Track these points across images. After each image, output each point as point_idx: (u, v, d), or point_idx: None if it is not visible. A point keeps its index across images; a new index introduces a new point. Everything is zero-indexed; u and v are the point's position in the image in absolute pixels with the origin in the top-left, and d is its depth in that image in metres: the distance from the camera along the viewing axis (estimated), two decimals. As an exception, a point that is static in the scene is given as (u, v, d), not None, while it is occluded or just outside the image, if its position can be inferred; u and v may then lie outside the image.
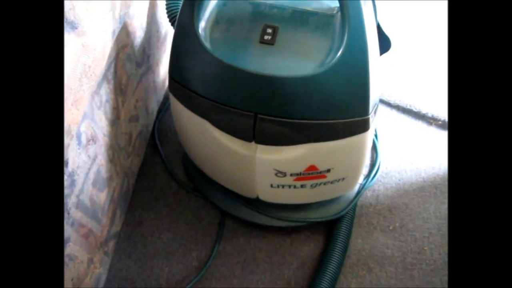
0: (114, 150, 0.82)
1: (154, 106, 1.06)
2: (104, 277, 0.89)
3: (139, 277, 0.92)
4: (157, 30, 0.98)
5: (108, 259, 0.90)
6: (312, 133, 0.71)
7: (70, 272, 0.71)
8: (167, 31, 1.05)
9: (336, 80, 0.67)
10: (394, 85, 1.22)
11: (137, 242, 0.96)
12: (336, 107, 0.70)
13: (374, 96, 0.71)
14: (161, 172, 1.07)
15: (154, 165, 1.08)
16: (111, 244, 0.90)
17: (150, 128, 1.07)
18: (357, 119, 0.71)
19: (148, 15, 0.88)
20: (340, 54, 0.65)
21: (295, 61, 0.68)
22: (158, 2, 0.94)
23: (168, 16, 0.82)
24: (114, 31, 0.74)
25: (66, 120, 0.59)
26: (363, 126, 0.73)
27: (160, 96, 1.11)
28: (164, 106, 1.16)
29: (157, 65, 1.03)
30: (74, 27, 0.59)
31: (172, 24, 0.82)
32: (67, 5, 0.57)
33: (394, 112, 1.18)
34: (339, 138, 0.73)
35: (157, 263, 0.94)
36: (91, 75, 0.66)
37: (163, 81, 1.13)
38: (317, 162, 0.77)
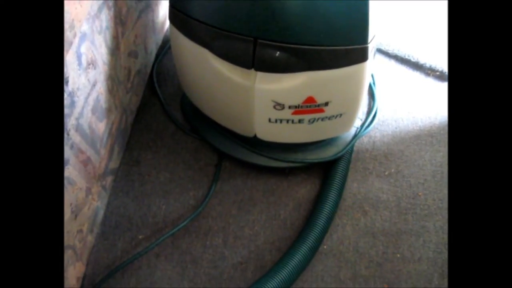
0: (113, 81, 0.82)
1: (153, 47, 1.06)
2: (102, 212, 0.90)
3: (136, 214, 0.93)
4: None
5: (106, 194, 0.91)
6: (311, 60, 0.71)
7: (69, 197, 0.71)
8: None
9: (336, 4, 0.67)
10: (393, 35, 1.22)
11: (135, 180, 0.97)
12: (336, 32, 0.70)
13: (373, 25, 0.71)
14: (159, 114, 1.07)
15: (152, 107, 1.08)
16: (109, 179, 0.91)
17: (149, 69, 1.07)
18: (356, 46, 0.71)
19: None
20: (341, -23, 0.65)
21: (296, -18, 0.68)
22: None
23: None
24: None
25: (69, 12, 0.58)
26: (362, 55, 0.73)
27: (159, 39, 1.11)
28: (163, 49, 1.15)
29: (157, 4, 1.02)
30: None
31: None
32: None
33: (392, 62, 1.18)
34: (338, 67, 0.73)
35: (154, 201, 0.95)
36: None
37: (162, 23, 1.12)
38: (316, 93, 0.77)
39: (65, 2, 0.56)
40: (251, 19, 0.69)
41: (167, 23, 1.14)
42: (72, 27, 0.61)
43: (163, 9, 1.09)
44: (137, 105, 1.02)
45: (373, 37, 0.73)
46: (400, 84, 1.14)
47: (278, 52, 0.70)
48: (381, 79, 1.13)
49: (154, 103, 1.08)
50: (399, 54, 1.18)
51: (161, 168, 0.99)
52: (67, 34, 0.60)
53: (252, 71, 0.74)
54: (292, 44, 0.70)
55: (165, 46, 1.16)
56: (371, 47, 0.73)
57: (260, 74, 0.74)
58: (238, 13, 0.69)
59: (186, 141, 1.03)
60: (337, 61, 0.72)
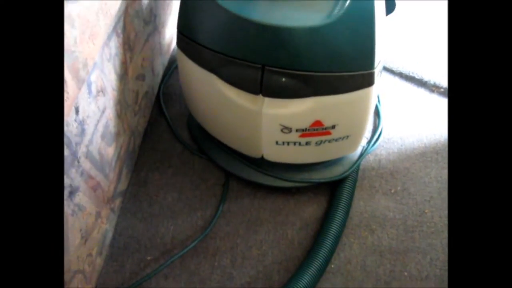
0: (122, 106, 0.83)
1: (159, 68, 1.07)
2: (110, 234, 0.90)
3: (145, 236, 0.93)
4: (164, -9, 0.99)
5: (115, 216, 0.92)
6: (318, 86, 0.72)
7: (79, 222, 0.72)
8: (173, -6, 1.06)
9: (343, 31, 0.68)
10: (398, 52, 1.22)
11: (143, 201, 0.98)
12: (343, 59, 0.70)
13: (379, 51, 0.72)
14: (166, 134, 1.08)
15: (159, 127, 1.09)
16: (118, 201, 0.92)
17: (156, 90, 1.08)
18: (362, 72, 0.72)
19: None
20: (347, 6, 0.66)
21: (303, 12, 0.69)
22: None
23: None
24: None
25: (83, 52, 0.60)
26: (368, 80, 0.74)
27: (165, 59, 1.12)
28: (169, 70, 1.16)
29: (163, 26, 1.03)
30: None
31: None
32: None
33: (397, 79, 1.19)
34: (344, 92, 0.74)
35: (162, 222, 0.95)
36: (106, 12, 0.67)
37: (168, 45, 1.13)
38: (323, 117, 0.78)
39: (78, 43, 0.58)
40: (258, 46, 0.70)
41: (173, 43, 1.15)
42: (85, 65, 0.62)
43: (169, 31, 1.10)
44: (145, 126, 1.02)
45: (380, 62, 0.74)
46: (405, 101, 1.15)
47: (284, 79, 0.71)
48: (386, 97, 1.14)
49: (161, 123, 1.09)
50: (403, 72, 1.19)
51: (168, 189, 0.99)
52: (81, 73, 0.61)
53: (260, 96, 0.75)
54: (299, 71, 0.70)
55: (171, 67, 1.17)
56: (377, 71, 0.74)
57: (267, 100, 0.75)
58: (246, 41, 0.70)
59: (193, 161, 1.04)
60: (344, 86, 0.73)
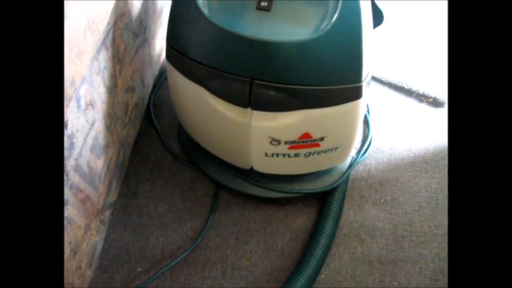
0: (111, 118, 0.83)
1: (149, 80, 1.07)
2: (100, 246, 0.91)
3: (135, 247, 0.94)
4: (154, 3, 0.99)
5: (104, 228, 0.92)
6: (306, 99, 0.73)
7: (68, 236, 0.72)
8: (163, 6, 1.06)
9: (330, 45, 0.68)
10: (387, 63, 1.23)
11: (133, 213, 0.98)
12: (330, 73, 0.71)
13: (366, 64, 0.73)
14: (156, 145, 1.08)
15: (149, 138, 1.09)
16: (107, 213, 0.92)
17: (146, 101, 1.08)
18: (350, 85, 0.73)
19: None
20: (334, 20, 0.67)
21: (291, 27, 0.70)
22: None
23: None
24: None
25: (70, 71, 0.60)
26: (356, 94, 0.74)
27: (155, 70, 1.12)
28: (160, 80, 1.17)
29: (153, 38, 1.04)
30: None
31: None
32: None
33: (386, 89, 1.20)
34: (332, 105, 0.75)
35: (152, 234, 0.95)
36: (94, 30, 0.67)
37: (159, 56, 1.14)
38: (311, 129, 0.78)
39: (65, 61, 0.58)
40: (247, 60, 0.70)
41: (164, 53, 1.16)
42: (72, 83, 0.62)
43: (159, 41, 1.11)
44: (134, 137, 1.03)
45: (368, 74, 0.75)
46: (394, 111, 1.16)
47: (272, 92, 0.71)
48: (376, 107, 1.15)
49: (151, 134, 1.10)
50: (392, 82, 1.20)
51: (158, 200, 1.00)
52: (68, 91, 0.61)
53: (249, 109, 0.75)
54: (287, 84, 0.71)
55: (162, 77, 1.17)
56: (365, 84, 0.74)
57: (256, 112, 0.76)
58: (234, 55, 0.71)
59: (183, 172, 1.04)
60: (332, 99, 0.74)
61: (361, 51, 0.69)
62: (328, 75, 0.71)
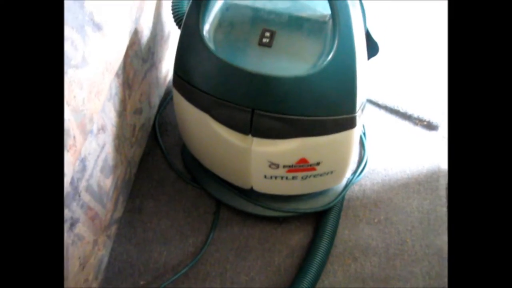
0: (120, 140, 0.88)
1: (156, 100, 1.12)
2: (106, 259, 0.95)
3: (138, 261, 0.98)
4: (162, 29, 1.04)
5: (110, 242, 0.96)
6: (304, 128, 0.78)
7: (78, 251, 0.76)
8: (170, 30, 1.11)
9: (327, 80, 0.73)
10: (383, 87, 1.27)
11: (137, 227, 1.02)
12: (326, 105, 0.76)
13: (361, 96, 0.78)
14: (160, 163, 1.13)
15: (154, 156, 1.13)
16: (113, 228, 0.96)
17: (152, 121, 1.13)
18: (344, 116, 0.78)
19: (154, 15, 0.94)
20: (330, 58, 0.72)
21: (290, 62, 0.75)
22: (163, 3, 1.00)
23: (174, 17, 0.88)
24: (130, 31, 0.81)
25: (89, 109, 0.65)
26: (350, 123, 0.79)
27: (161, 91, 1.17)
28: (165, 100, 1.21)
29: (160, 61, 1.08)
30: (100, 28, 0.65)
31: (177, 24, 0.88)
32: (94, 8, 0.63)
33: (382, 112, 1.24)
34: (328, 134, 0.79)
35: (155, 248, 1.00)
36: (111, 70, 0.72)
37: (165, 77, 1.18)
38: (308, 155, 0.83)
39: (86, 101, 0.63)
40: (249, 92, 0.75)
41: (169, 75, 1.20)
42: (91, 120, 0.67)
43: (166, 64, 1.15)
44: (140, 156, 1.07)
45: (361, 104, 0.80)
46: (390, 133, 1.20)
47: (272, 121, 0.76)
48: (371, 129, 1.18)
49: (156, 152, 1.14)
50: (388, 105, 1.24)
51: (162, 216, 1.04)
52: (87, 127, 0.66)
53: (250, 136, 0.80)
54: (286, 114, 0.76)
55: (167, 98, 1.21)
56: (359, 114, 0.79)
57: (256, 139, 0.81)
58: (238, 86, 0.76)
59: (186, 190, 1.08)
60: (328, 129, 0.78)
61: (355, 85, 0.74)
62: (324, 107, 0.76)
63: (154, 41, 0.99)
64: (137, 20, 0.83)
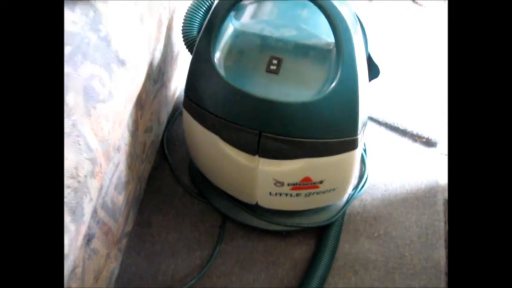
0: (132, 157, 0.92)
1: (164, 117, 1.15)
2: (116, 272, 0.98)
3: (147, 273, 1.01)
4: (171, 50, 1.08)
5: (121, 255, 1.00)
6: (308, 150, 0.82)
7: (93, 264, 0.80)
8: (179, 50, 1.15)
9: (330, 106, 0.77)
10: (383, 105, 1.31)
11: (146, 241, 1.06)
12: (330, 128, 0.80)
13: (362, 119, 0.82)
14: (168, 178, 1.16)
15: (163, 171, 1.17)
16: (124, 241, 1.00)
17: (160, 137, 1.17)
18: (347, 139, 0.82)
19: (165, 38, 0.99)
20: (334, 84, 0.76)
21: (296, 89, 0.79)
22: (173, 26, 1.04)
23: (184, 40, 0.92)
24: (148, 62, 0.85)
25: (113, 138, 0.69)
26: (352, 145, 0.83)
27: (169, 108, 1.20)
28: (173, 117, 1.25)
29: (169, 81, 1.12)
30: (123, 64, 0.70)
31: (188, 47, 0.92)
32: (119, 46, 0.68)
33: (382, 129, 1.27)
34: (331, 155, 0.83)
35: (163, 261, 1.03)
36: (131, 100, 0.77)
37: (173, 95, 1.22)
38: (312, 174, 0.87)
39: (111, 131, 0.67)
40: (257, 116, 0.80)
41: (177, 92, 1.24)
42: (114, 147, 0.71)
43: (174, 83, 1.19)
44: (149, 171, 1.11)
45: (363, 126, 0.84)
46: (389, 150, 1.23)
47: (278, 143, 0.81)
48: (372, 145, 1.22)
49: (164, 167, 1.17)
50: (388, 122, 1.27)
51: (170, 229, 1.07)
52: (111, 154, 0.70)
53: (256, 156, 0.84)
54: (291, 137, 0.80)
55: (175, 114, 1.25)
56: (361, 136, 0.84)
57: (263, 159, 0.85)
58: (246, 110, 0.80)
59: (193, 204, 1.12)
60: (331, 150, 0.82)
61: (357, 109, 0.78)
62: (327, 130, 0.80)
63: (164, 62, 1.02)
64: (153, 51, 0.87)
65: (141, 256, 1.03)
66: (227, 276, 1.01)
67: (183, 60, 1.19)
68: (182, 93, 1.16)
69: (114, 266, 0.95)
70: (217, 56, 0.82)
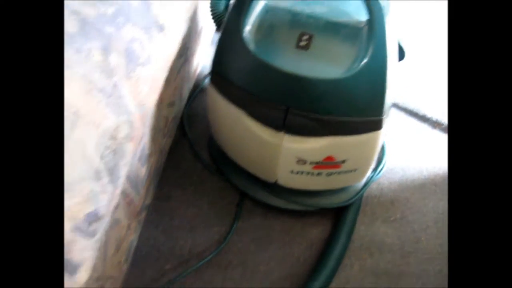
0: (156, 130, 0.92)
1: (186, 93, 1.16)
2: (135, 244, 0.99)
3: (165, 246, 1.02)
4: (196, 25, 1.07)
5: (140, 227, 1.00)
6: (334, 128, 0.82)
7: (115, 234, 0.81)
8: (202, 27, 1.15)
9: (359, 84, 0.77)
10: (403, 90, 1.31)
11: (165, 215, 1.06)
12: (357, 107, 0.80)
13: (389, 100, 0.82)
14: (187, 154, 1.17)
15: (182, 147, 1.18)
16: (143, 214, 1.01)
17: (181, 113, 1.17)
18: (373, 118, 0.82)
19: (192, 11, 0.98)
20: (364, 63, 0.76)
21: (325, 65, 0.79)
22: (199, 2, 1.04)
23: (212, 15, 0.92)
24: (184, 32, 0.87)
25: (149, 103, 0.70)
26: (378, 125, 0.83)
27: (191, 85, 1.20)
28: (193, 93, 1.25)
29: (192, 56, 1.12)
30: (162, 29, 0.71)
31: (216, 23, 0.92)
32: (158, 11, 0.68)
33: (402, 114, 1.27)
34: (356, 134, 0.83)
35: (181, 235, 1.04)
36: (165, 68, 0.80)
37: (195, 71, 1.22)
38: (335, 153, 0.87)
39: (147, 95, 0.67)
40: (284, 91, 0.80)
41: (199, 69, 1.24)
42: (149, 114, 0.71)
43: (196, 58, 1.19)
44: (169, 145, 1.11)
45: (389, 108, 0.84)
46: (408, 135, 1.23)
47: (304, 120, 0.81)
48: (391, 129, 1.21)
49: (184, 143, 1.18)
50: (408, 107, 1.27)
51: (188, 204, 1.08)
52: (147, 119, 0.70)
53: (281, 133, 0.84)
54: (318, 114, 0.80)
55: (195, 90, 1.26)
56: (386, 116, 0.83)
57: (287, 136, 0.85)
58: (274, 86, 0.80)
59: (212, 180, 1.12)
60: (356, 129, 0.82)
61: (385, 89, 0.78)
62: (354, 108, 0.80)
63: (189, 36, 1.02)
64: (188, 20, 0.87)
65: (159, 230, 1.04)
66: (244, 253, 1.02)
67: (205, 36, 1.19)
68: (203, 70, 1.17)
69: (133, 238, 0.95)
70: (247, 30, 0.82)
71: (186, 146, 1.18)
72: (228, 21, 0.83)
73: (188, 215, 1.07)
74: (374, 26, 0.75)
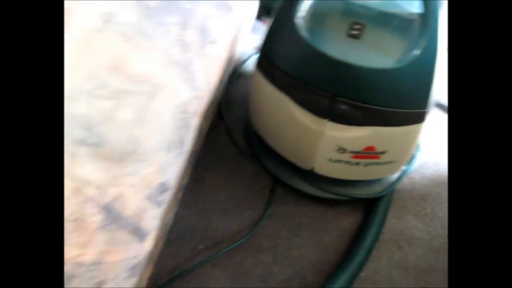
0: (208, 110, 0.94)
1: (226, 78, 1.17)
2: (170, 223, 1.01)
3: (198, 227, 1.04)
4: (243, 14, 1.09)
5: (176, 207, 1.02)
6: (377, 118, 0.83)
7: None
8: (246, 15, 1.16)
9: (408, 76, 0.78)
10: (440, 84, 1.31)
11: (199, 196, 1.08)
12: (402, 98, 0.81)
13: (434, 93, 0.82)
14: (223, 137, 1.19)
15: (218, 131, 1.20)
16: (181, 194, 1.02)
17: (219, 97, 1.18)
18: (416, 111, 0.83)
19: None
20: (415, 55, 0.77)
21: (375, 55, 0.80)
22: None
23: (264, 3, 0.93)
24: (246, 14, 0.87)
25: (214, 81, 0.72)
26: (421, 118, 0.84)
27: (230, 69, 1.22)
28: (232, 78, 1.27)
29: (236, 42, 1.13)
30: (230, 9, 0.73)
31: (266, 11, 0.93)
32: None
33: (436, 109, 1.28)
34: (398, 125, 0.84)
35: (214, 217, 1.05)
36: (227, 48, 0.81)
37: (233, 57, 1.23)
38: (376, 143, 0.88)
39: (214, 73, 0.68)
40: (333, 78, 0.80)
41: (236, 56, 1.25)
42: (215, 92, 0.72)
43: (238, 44, 1.20)
44: (207, 129, 1.13)
45: (432, 102, 0.85)
46: (442, 130, 1.24)
47: (350, 108, 0.81)
48: (426, 124, 1.22)
49: (220, 127, 1.20)
50: (442, 103, 1.28)
51: (222, 187, 1.10)
52: (213, 96, 0.71)
53: (325, 120, 0.85)
54: (364, 103, 0.81)
55: (234, 76, 1.27)
56: (429, 110, 0.84)
57: (331, 123, 0.86)
58: (322, 72, 0.81)
59: (246, 165, 1.14)
60: (399, 121, 0.83)
61: (432, 83, 0.79)
62: (399, 100, 0.81)
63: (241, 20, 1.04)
64: (247, 4, 0.88)
65: (193, 211, 1.06)
66: (275, 238, 1.03)
67: (247, 23, 1.20)
68: (242, 57, 1.18)
69: (170, 216, 0.97)
70: (299, 17, 0.83)
71: (222, 130, 1.20)
72: (281, 8, 0.84)
73: (221, 198, 1.09)
74: (428, 19, 0.75)
